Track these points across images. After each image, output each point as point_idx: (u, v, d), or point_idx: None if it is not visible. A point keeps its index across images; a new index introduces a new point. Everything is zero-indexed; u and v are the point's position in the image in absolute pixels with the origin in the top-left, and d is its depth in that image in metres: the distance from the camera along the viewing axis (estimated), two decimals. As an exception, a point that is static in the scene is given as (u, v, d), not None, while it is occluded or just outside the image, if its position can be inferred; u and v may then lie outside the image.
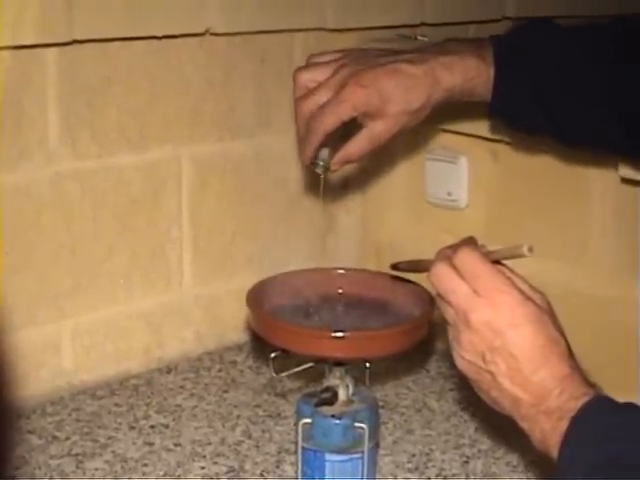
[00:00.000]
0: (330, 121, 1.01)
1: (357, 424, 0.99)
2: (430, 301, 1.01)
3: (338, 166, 1.06)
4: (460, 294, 0.83)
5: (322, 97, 1.02)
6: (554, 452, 0.79)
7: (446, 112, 1.32)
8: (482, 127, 1.26)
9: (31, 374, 1.20)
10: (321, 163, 1.06)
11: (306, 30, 1.36)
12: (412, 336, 1.00)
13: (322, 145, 1.04)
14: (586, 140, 1.07)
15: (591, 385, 0.80)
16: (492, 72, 1.03)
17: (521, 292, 0.82)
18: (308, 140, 1.03)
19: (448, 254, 0.85)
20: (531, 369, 0.80)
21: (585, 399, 0.78)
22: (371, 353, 0.98)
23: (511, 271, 0.85)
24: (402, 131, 1.04)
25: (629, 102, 1.00)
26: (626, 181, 1.16)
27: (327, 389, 1.00)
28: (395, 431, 1.17)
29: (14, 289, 1.16)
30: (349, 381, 1.01)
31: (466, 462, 1.10)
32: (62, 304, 1.22)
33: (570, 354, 0.82)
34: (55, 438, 1.13)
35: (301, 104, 1.03)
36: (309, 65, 1.07)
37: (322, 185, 1.11)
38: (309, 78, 1.05)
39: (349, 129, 1.04)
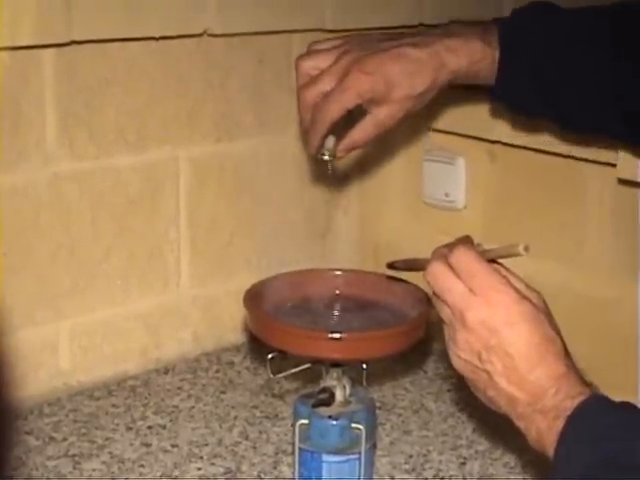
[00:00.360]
0: (335, 110, 1.00)
1: (354, 425, 0.99)
2: (427, 302, 1.00)
3: (344, 153, 1.05)
4: (456, 293, 0.83)
5: (326, 85, 1.00)
6: (550, 451, 0.79)
7: (443, 113, 1.33)
8: (479, 128, 1.26)
9: (29, 375, 1.20)
10: (327, 152, 1.05)
11: (304, 31, 1.35)
12: (409, 337, 1.00)
13: (328, 133, 1.03)
14: (586, 126, 1.07)
15: (587, 384, 0.80)
16: (497, 55, 1.02)
17: (517, 291, 0.82)
18: (313, 130, 1.02)
19: (444, 253, 0.85)
20: (527, 368, 0.80)
21: (581, 398, 0.78)
22: (368, 354, 0.98)
23: (507, 270, 0.85)
24: (407, 115, 1.02)
25: (630, 87, 1.00)
26: (624, 182, 1.16)
27: (324, 390, 1.00)
28: (392, 432, 1.17)
29: (12, 290, 1.16)
30: (346, 382, 1.01)
31: (463, 463, 1.10)
32: (60, 305, 1.22)
33: (566, 353, 0.82)
34: (52, 439, 1.13)
35: (304, 93, 1.02)
36: (311, 52, 1.05)
37: (330, 171, 1.09)
38: (311, 65, 1.03)
39: (353, 115, 1.03)
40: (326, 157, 1.05)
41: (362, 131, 1.02)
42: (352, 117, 1.03)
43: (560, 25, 1.03)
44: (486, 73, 1.03)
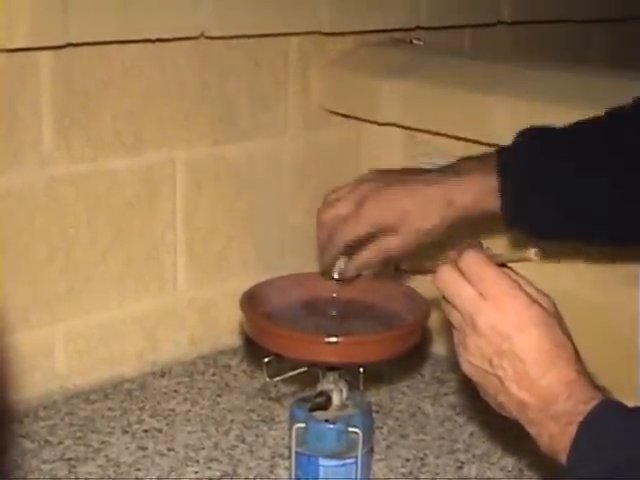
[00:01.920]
0: (348, 235, 1.05)
1: (351, 429, 0.99)
2: (424, 306, 1.00)
3: (353, 273, 1.09)
4: (466, 298, 0.82)
5: (343, 209, 1.05)
6: (563, 457, 0.78)
7: (440, 115, 1.32)
8: (477, 130, 1.26)
9: (24, 378, 1.20)
10: (338, 273, 1.09)
11: (301, 34, 1.35)
12: (406, 341, 1.00)
13: (340, 255, 1.07)
14: (612, 235, 1.06)
15: (599, 389, 0.79)
16: (497, 184, 1.03)
17: (527, 295, 0.81)
18: (327, 250, 1.07)
19: (453, 257, 0.85)
20: (538, 373, 0.80)
21: (593, 403, 0.77)
22: (365, 358, 0.98)
23: (517, 274, 0.84)
24: (416, 246, 1.05)
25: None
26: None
27: (321, 394, 1.00)
28: (389, 436, 1.17)
29: (8, 292, 1.15)
30: (343, 386, 1.01)
31: (460, 467, 1.10)
32: (56, 308, 1.22)
33: (577, 358, 0.81)
34: (48, 442, 1.13)
35: (323, 214, 1.07)
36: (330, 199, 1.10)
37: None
38: (334, 196, 1.08)
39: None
40: (336, 276, 1.09)
41: (372, 255, 1.06)
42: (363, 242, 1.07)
43: (553, 141, 1.03)
44: (491, 206, 1.04)
